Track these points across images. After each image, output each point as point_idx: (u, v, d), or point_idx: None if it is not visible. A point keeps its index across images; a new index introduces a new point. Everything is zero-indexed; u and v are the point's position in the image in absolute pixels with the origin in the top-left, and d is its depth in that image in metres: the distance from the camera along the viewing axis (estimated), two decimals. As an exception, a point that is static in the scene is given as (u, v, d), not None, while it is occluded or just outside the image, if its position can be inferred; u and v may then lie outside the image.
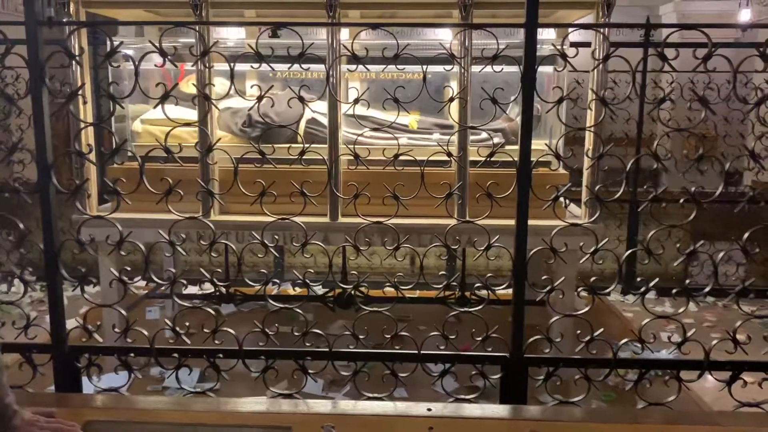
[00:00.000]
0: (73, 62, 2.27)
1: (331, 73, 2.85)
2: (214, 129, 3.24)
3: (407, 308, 4.04)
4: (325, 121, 3.22)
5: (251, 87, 3.44)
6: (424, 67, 1.98)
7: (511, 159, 2.03)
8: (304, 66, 1.94)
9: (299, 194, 2.00)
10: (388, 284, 2.13)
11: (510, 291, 2.04)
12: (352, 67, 3.48)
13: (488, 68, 2.19)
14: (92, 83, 4.15)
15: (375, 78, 3.70)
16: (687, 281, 2.04)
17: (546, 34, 3.54)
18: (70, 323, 2.15)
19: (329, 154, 3.08)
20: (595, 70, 2.66)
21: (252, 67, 1.92)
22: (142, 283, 4.68)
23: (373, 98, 3.35)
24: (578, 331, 2.04)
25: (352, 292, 2.23)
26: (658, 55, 1.90)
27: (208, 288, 4.05)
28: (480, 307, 2.05)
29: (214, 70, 3.23)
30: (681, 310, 2.03)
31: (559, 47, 1.95)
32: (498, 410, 1.82)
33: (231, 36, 3.82)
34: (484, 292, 2.08)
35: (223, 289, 3.70)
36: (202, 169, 3.05)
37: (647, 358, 2.07)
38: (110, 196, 3.18)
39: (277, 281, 4.90)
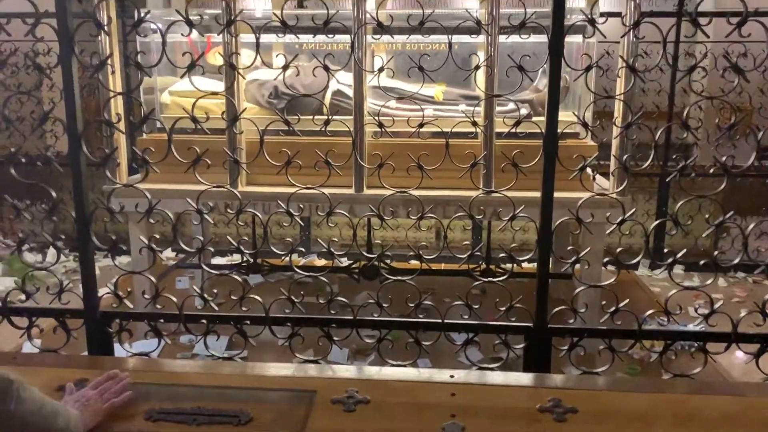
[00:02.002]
0: (102, 33, 2.30)
1: (356, 43, 2.84)
2: (241, 100, 3.26)
3: (432, 281, 4.05)
4: (350, 93, 3.21)
5: (276, 56, 3.44)
6: (450, 36, 1.96)
7: (538, 130, 2.02)
8: (329, 36, 1.94)
9: (324, 164, 2.01)
10: (412, 254, 2.14)
11: (535, 265, 2.04)
12: (378, 37, 3.46)
13: (516, 39, 2.16)
14: (121, 56, 4.20)
15: (401, 49, 3.67)
16: (716, 253, 2.01)
17: (576, 3, 3.47)
18: (102, 291, 2.21)
19: (354, 125, 3.07)
20: (625, 38, 2.60)
21: (278, 36, 1.93)
22: (173, 255, 4.79)
23: (399, 71, 3.33)
24: (603, 302, 2.03)
25: (376, 262, 2.25)
26: (691, 21, 1.85)
27: (236, 259, 4.07)
28: (504, 277, 2.05)
29: (241, 42, 3.24)
30: (708, 281, 2.01)
31: (587, 14, 1.91)
32: (521, 378, 1.83)
33: (258, 7, 3.82)
34: (509, 266, 2.08)
35: (251, 259, 3.75)
36: (229, 139, 3.07)
37: (673, 330, 2.06)
38: (140, 167, 3.23)
39: (303, 249, 4.96)
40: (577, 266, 2.09)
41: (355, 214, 3.18)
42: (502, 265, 3.35)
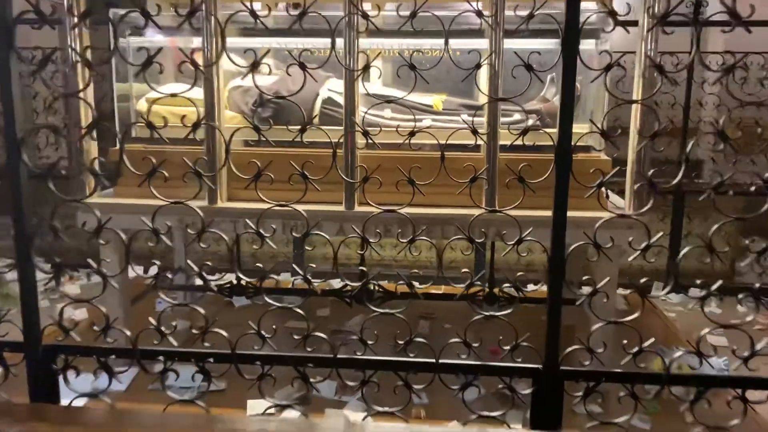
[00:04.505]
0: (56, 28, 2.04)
1: (343, 42, 2.60)
2: (223, 107, 3.00)
3: (432, 305, 3.76)
4: (342, 101, 2.95)
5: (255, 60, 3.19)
6: (446, 28, 1.70)
7: (547, 143, 1.76)
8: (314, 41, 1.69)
9: (301, 177, 1.74)
10: (403, 280, 1.86)
11: (543, 288, 1.77)
12: (363, 31, 3.17)
13: (523, 45, 1.93)
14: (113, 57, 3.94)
15: (397, 57, 3.42)
16: (757, 285, 1.73)
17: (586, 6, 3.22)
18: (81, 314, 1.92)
19: (345, 136, 2.79)
20: (644, 39, 2.31)
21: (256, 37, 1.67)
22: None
23: (395, 79, 3.08)
24: (624, 341, 1.74)
25: (370, 286, 1.97)
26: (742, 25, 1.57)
27: (225, 279, 3.79)
28: (509, 311, 1.77)
29: (229, 47, 2.98)
30: (749, 318, 1.72)
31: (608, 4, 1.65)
32: (528, 436, 1.55)
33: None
34: (513, 290, 1.81)
35: (234, 281, 3.48)
36: (207, 151, 2.81)
37: (706, 374, 1.77)
38: (110, 180, 2.96)
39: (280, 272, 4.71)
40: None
41: (346, 233, 2.90)
42: (507, 290, 3.08)
